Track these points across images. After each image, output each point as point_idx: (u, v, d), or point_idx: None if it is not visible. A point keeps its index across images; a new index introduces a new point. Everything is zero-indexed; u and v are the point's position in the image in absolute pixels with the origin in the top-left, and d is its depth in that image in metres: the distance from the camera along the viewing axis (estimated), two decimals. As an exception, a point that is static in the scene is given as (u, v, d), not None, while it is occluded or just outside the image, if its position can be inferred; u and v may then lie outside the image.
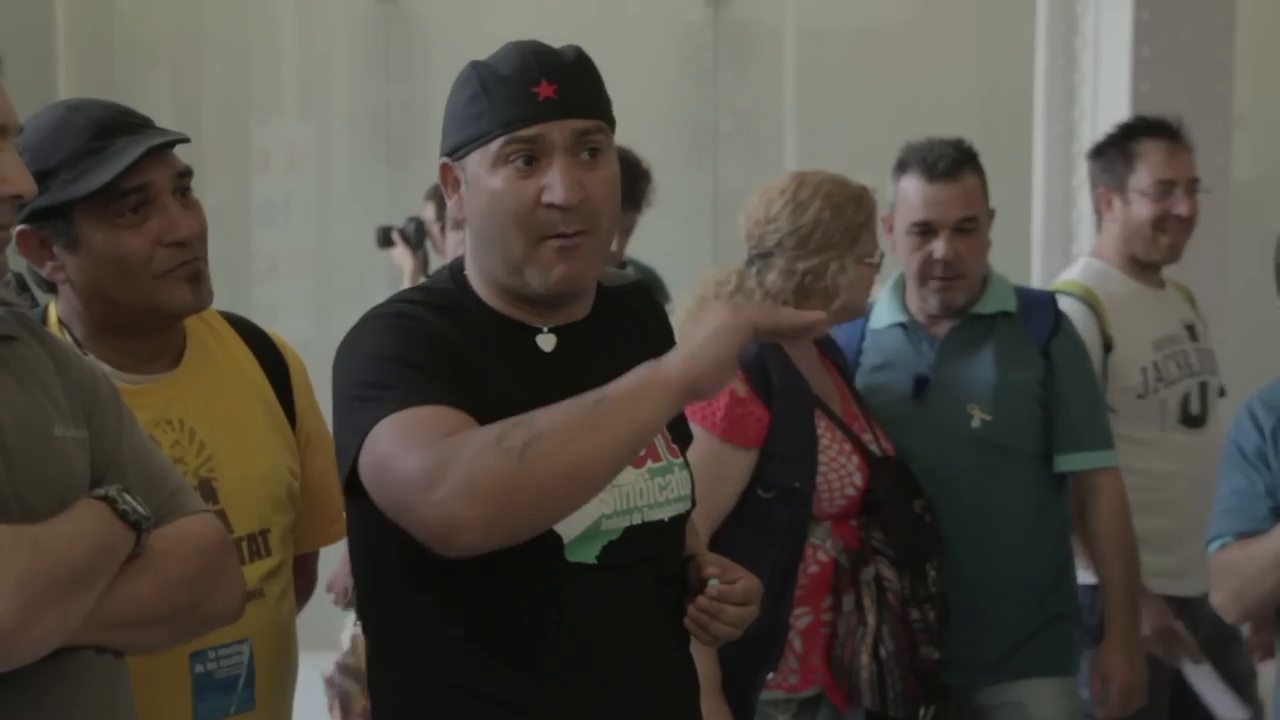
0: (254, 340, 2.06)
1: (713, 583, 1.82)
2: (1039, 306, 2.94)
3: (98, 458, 1.58)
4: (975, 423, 2.83)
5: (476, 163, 1.74)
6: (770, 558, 2.49)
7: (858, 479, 2.59)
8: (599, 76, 1.79)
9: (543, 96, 1.71)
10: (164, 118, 1.94)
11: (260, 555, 1.94)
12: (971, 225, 2.86)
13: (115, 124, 1.85)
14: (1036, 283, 4.49)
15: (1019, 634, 2.85)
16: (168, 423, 1.88)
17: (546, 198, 1.71)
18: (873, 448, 2.66)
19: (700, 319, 1.62)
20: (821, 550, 2.57)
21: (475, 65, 1.77)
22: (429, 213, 4.91)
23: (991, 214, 2.95)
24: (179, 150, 1.91)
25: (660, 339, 1.94)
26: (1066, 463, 2.90)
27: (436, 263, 4.85)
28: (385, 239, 5.00)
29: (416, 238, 4.90)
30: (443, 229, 4.73)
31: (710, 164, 6.02)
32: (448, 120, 1.79)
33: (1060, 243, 4.85)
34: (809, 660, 2.58)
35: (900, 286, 2.98)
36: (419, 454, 1.54)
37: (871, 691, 2.53)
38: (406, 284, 4.93)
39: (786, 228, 2.62)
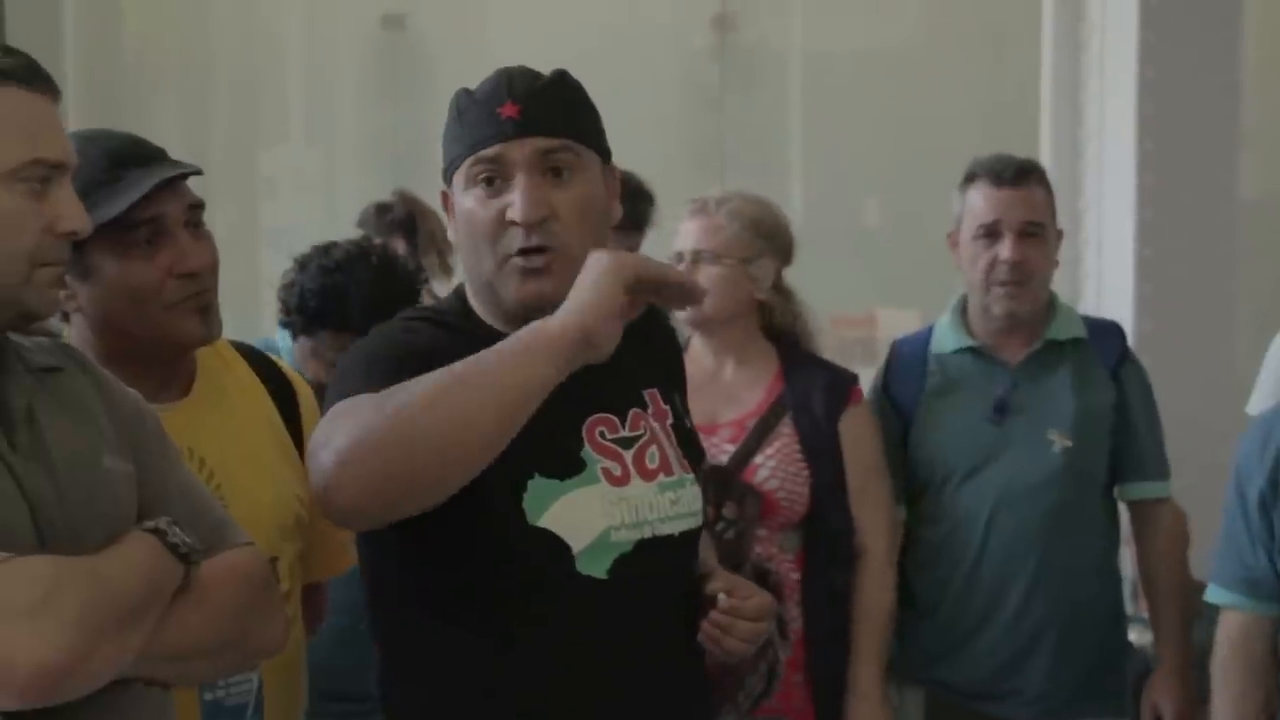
0: (263, 369, 2.07)
1: (721, 597, 1.82)
2: (1106, 332, 2.92)
3: (144, 490, 1.58)
4: (1056, 449, 2.77)
5: (456, 185, 1.79)
6: None
7: None
8: (580, 98, 1.81)
9: (504, 116, 1.74)
10: (171, 145, 1.95)
11: (269, 584, 1.93)
12: (1038, 230, 2.81)
13: (129, 155, 1.86)
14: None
15: (1082, 669, 2.81)
16: (177, 452, 1.88)
17: (509, 215, 1.74)
18: None
19: (584, 269, 1.61)
20: None
21: (461, 91, 1.81)
22: (400, 248, 4.83)
23: (1059, 234, 2.91)
24: (190, 182, 1.92)
25: (664, 352, 1.96)
26: (1134, 491, 2.86)
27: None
28: None
29: None
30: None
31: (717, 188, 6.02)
32: (442, 147, 1.84)
33: (1069, 265, 4.84)
34: None
35: (962, 309, 2.91)
36: (322, 423, 1.58)
37: None
38: None
39: None
